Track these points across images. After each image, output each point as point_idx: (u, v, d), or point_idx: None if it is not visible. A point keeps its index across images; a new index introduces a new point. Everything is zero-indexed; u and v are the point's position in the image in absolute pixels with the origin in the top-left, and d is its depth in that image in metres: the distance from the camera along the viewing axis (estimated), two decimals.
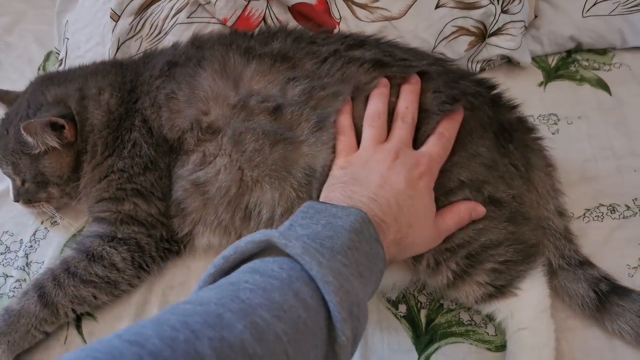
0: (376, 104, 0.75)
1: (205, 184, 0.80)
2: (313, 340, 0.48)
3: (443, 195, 0.73)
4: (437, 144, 0.72)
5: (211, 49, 0.84)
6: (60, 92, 0.89)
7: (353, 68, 0.79)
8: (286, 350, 0.45)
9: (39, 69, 1.24)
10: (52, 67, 1.22)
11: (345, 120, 0.75)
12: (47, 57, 1.27)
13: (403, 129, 0.73)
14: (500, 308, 0.75)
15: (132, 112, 0.86)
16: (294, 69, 0.79)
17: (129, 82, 0.89)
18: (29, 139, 0.83)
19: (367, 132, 0.74)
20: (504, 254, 0.73)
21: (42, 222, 0.95)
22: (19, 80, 1.21)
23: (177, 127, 0.82)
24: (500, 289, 0.74)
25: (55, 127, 0.84)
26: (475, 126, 0.77)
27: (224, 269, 0.53)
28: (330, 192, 0.69)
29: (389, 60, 0.80)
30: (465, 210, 0.73)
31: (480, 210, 0.73)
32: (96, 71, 0.92)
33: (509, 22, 1.06)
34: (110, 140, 0.86)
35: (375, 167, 0.69)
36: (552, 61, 1.15)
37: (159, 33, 1.02)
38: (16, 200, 0.91)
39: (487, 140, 0.77)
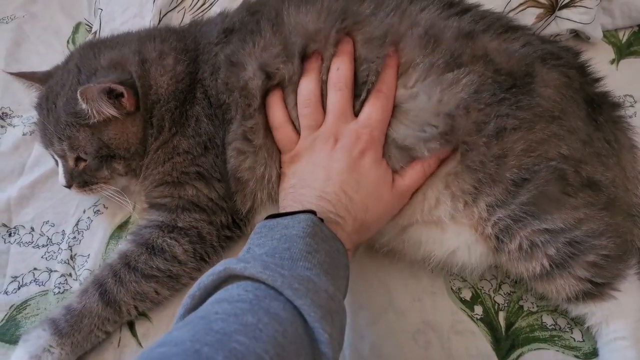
0: (306, 85, 0.73)
1: (252, 131, 0.75)
2: (296, 349, 0.48)
3: (537, 165, 0.66)
4: (376, 106, 0.70)
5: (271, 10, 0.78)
6: (116, 55, 0.81)
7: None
8: None
9: (68, 42, 1.16)
10: (82, 40, 1.15)
11: (275, 113, 0.73)
12: (76, 28, 1.19)
13: (337, 99, 0.71)
14: (595, 311, 0.69)
15: (194, 84, 0.79)
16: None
17: (192, 49, 0.81)
18: (83, 106, 0.74)
19: (301, 122, 0.72)
20: (606, 246, 0.66)
21: (84, 211, 0.89)
22: (47, 54, 1.14)
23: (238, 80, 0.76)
24: (600, 288, 0.67)
25: (112, 95, 0.75)
26: (571, 96, 0.70)
27: (191, 307, 0.53)
28: (283, 200, 0.71)
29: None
30: (435, 158, 0.70)
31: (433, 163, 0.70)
32: (152, 35, 0.84)
33: None
34: (177, 115, 0.78)
35: (318, 161, 0.69)
36: (623, 36, 1.07)
37: (204, 4, 0.95)
38: (68, 185, 0.81)
39: (583, 112, 0.71)
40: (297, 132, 0.73)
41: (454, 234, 0.71)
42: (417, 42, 0.71)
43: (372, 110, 0.70)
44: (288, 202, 0.69)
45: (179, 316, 0.53)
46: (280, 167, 0.74)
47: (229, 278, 0.53)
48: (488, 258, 0.73)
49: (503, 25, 0.74)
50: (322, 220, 0.63)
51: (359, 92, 0.72)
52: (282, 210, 0.69)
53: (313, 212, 0.63)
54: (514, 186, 0.66)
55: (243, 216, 0.80)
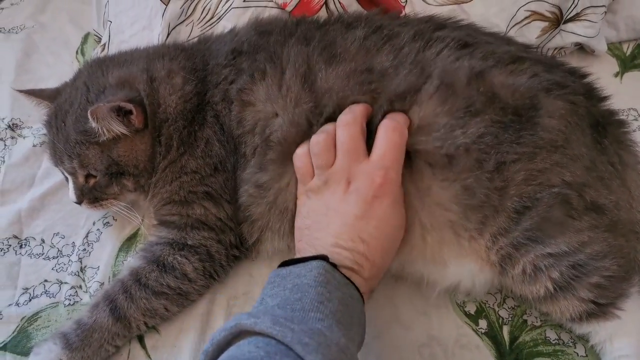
0: (323, 127, 0.71)
1: (265, 186, 0.75)
2: None
3: (539, 193, 0.66)
4: (390, 143, 0.67)
5: (285, 45, 0.77)
6: (124, 73, 0.81)
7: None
8: None
9: (77, 53, 1.17)
10: (91, 51, 1.16)
11: (298, 151, 0.72)
12: (85, 39, 1.20)
13: (346, 135, 0.68)
14: (598, 330, 0.69)
15: (203, 105, 0.80)
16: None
17: (201, 69, 0.82)
18: (93, 125, 0.75)
19: (313, 161, 0.70)
20: (609, 268, 0.67)
21: (94, 223, 0.90)
22: (56, 65, 1.15)
23: (246, 121, 0.77)
24: (603, 308, 0.68)
25: (121, 113, 0.76)
26: (576, 123, 0.70)
27: None
28: (299, 242, 0.70)
29: (473, 41, 0.74)
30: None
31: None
32: (161, 53, 0.85)
33: (588, 7, 0.98)
34: (185, 135, 0.79)
35: (331, 203, 0.67)
36: (627, 49, 1.07)
37: (212, 18, 0.95)
38: (79, 201, 0.82)
39: (588, 138, 0.71)
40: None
41: (458, 266, 0.71)
42: (433, 95, 0.69)
43: (386, 148, 0.67)
44: (303, 245, 0.68)
45: None
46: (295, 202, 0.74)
47: (240, 333, 0.53)
48: (493, 281, 0.74)
49: (511, 56, 0.73)
50: (335, 265, 0.62)
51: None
52: (297, 253, 0.69)
53: (325, 257, 0.62)
54: (516, 214, 0.66)
55: (249, 246, 0.81)
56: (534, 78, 0.70)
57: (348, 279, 0.62)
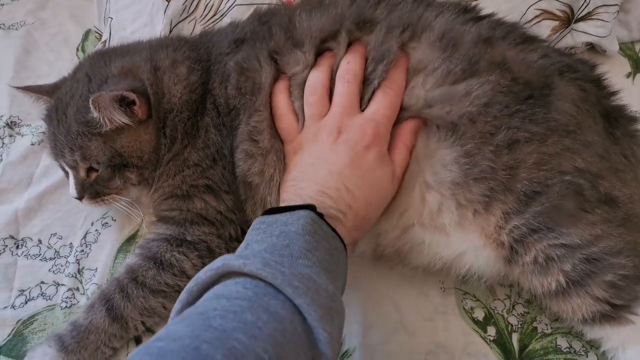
0: (315, 74, 0.72)
1: (258, 128, 0.74)
2: (295, 348, 0.48)
3: (550, 180, 0.65)
4: (384, 102, 0.69)
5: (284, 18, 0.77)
6: (128, 63, 0.79)
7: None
8: None
9: (77, 50, 1.15)
10: (92, 48, 1.14)
11: (279, 101, 0.73)
12: (86, 36, 1.18)
13: (344, 91, 0.70)
14: (611, 335, 0.67)
15: (205, 95, 0.78)
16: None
17: (205, 59, 0.80)
18: (95, 114, 0.73)
19: (306, 111, 0.72)
20: (624, 266, 0.64)
21: (92, 224, 0.88)
22: (56, 62, 1.13)
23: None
24: (618, 311, 0.65)
25: (124, 103, 0.74)
26: (587, 110, 0.69)
27: (189, 302, 0.53)
28: (283, 193, 0.70)
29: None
30: (408, 131, 0.70)
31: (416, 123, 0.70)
32: (165, 44, 0.83)
33: (600, 6, 0.96)
34: (189, 126, 0.77)
35: (320, 153, 0.68)
36: None
37: (215, 15, 0.94)
38: (80, 197, 0.80)
39: (600, 126, 0.69)
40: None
41: (460, 238, 0.69)
42: (434, 44, 0.70)
43: (380, 106, 0.69)
44: (288, 195, 0.68)
45: (176, 311, 0.52)
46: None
47: (226, 274, 0.53)
48: (497, 265, 0.70)
49: (520, 35, 0.73)
50: (321, 215, 0.62)
51: (366, 92, 0.71)
52: (282, 204, 0.68)
53: (312, 207, 0.61)
54: (525, 197, 0.65)
55: None
56: (546, 58, 0.69)
57: (334, 230, 0.61)
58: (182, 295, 0.53)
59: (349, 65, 0.71)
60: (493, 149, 0.66)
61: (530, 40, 0.74)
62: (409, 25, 0.72)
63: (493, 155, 0.66)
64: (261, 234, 0.59)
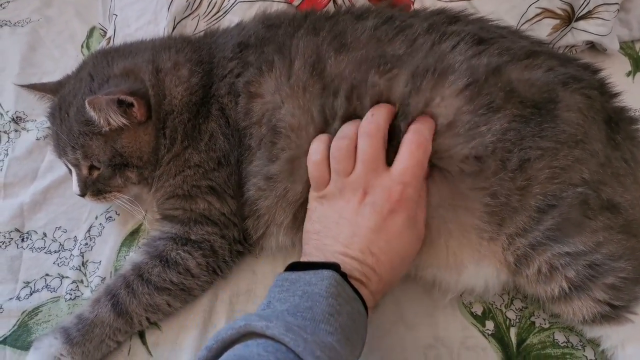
0: (346, 128, 0.69)
1: (275, 178, 0.74)
2: None
3: (564, 192, 0.65)
4: (412, 159, 0.65)
5: (293, 37, 0.76)
6: (130, 63, 0.80)
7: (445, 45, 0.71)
8: None
9: (82, 47, 1.17)
10: (97, 45, 1.15)
11: (317, 148, 0.69)
12: (90, 33, 1.19)
13: (367, 146, 0.66)
14: (610, 334, 0.68)
15: (208, 98, 0.79)
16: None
17: (207, 62, 0.81)
18: (92, 115, 0.74)
19: (332, 165, 0.68)
20: (624, 269, 0.65)
21: (96, 217, 0.89)
22: (61, 59, 1.15)
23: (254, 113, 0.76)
24: (617, 311, 0.66)
25: (122, 104, 0.75)
26: (593, 117, 0.69)
27: (208, 359, 0.52)
28: (306, 245, 0.68)
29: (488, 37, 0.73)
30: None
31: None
32: (167, 45, 0.84)
33: (601, 5, 0.96)
34: (190, 128, 0.78)
35: (345, 212, 0.66)
36: None
37: (218, 12, 0.94)
38: (82, 194, 0.81)
39: (602, 133, 0.69)
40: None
41: (475, 270, 0.70)
42: (459, 95, 0.67)
43: (408, 164, 0.65)
44: (310, 249, 0.67)
45: None
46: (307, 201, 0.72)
47: (247, 334, 0.52)
48: (500, 278, 0.72)
49: (526, 52, 0.72)
50: (345, 275, 0.60)
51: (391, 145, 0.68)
52: (303, 256, 0.67)
53: (336, 267, 0.60)
54: (538, 213, 0.65)
55: (253, 241, 0.80)
56: (550, 72, 0.69)
57: (357, 292, 0.60)
58: (202, 352, 0.52)
59: (373, 118, 0.67)
60: (511, 175, 0.65)
61: (535, 54, 0.72)
62: (434, 71, 0.68)
63: (510, 183, 0.65)
64: (283, 292, 0.59)
